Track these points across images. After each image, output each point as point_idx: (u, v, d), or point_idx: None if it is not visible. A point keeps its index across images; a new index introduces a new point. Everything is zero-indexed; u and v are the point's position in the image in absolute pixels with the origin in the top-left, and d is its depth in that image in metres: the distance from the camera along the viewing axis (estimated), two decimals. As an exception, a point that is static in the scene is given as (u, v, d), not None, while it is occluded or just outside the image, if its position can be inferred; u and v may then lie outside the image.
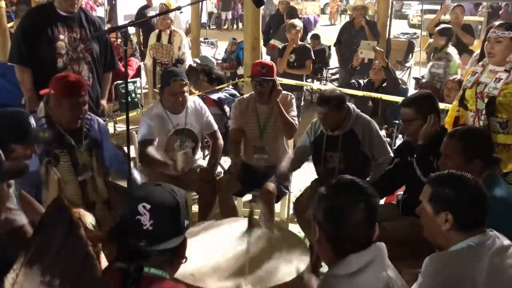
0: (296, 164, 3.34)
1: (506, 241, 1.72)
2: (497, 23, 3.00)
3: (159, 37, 6.00)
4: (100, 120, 3.00)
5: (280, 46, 5.85)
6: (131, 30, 8.80)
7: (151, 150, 3.15)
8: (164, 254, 1.34)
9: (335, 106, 3.06)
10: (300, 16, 8.44)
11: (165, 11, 5.81)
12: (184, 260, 1.46)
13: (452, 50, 5.05)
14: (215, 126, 3.55)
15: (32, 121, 2.25)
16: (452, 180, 1.74)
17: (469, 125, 2.82)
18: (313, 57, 5.78)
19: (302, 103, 5.43)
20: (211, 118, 3.53)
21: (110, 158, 2.95)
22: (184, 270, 2.24)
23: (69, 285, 1.15)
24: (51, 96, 2.69)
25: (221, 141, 3.56)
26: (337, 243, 1.54)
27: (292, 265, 2.33)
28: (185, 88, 3.24)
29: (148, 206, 1.31)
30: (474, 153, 2.14)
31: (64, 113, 2.67)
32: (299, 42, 5.62)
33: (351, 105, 3.21)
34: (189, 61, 5.99)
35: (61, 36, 3.32)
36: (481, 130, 2.47)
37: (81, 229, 1.21)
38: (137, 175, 2.93)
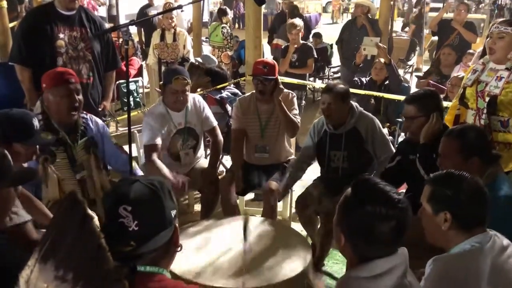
0: (294, 179, 3.35)
1: (505, 241, 1.71)
2: (499, 20, 2.97)
3: (162, 36, 5.96)
4: (98, 120, 3.00)
5: (283, 46, 5.83)
6: (133, 29, 8.79)
7: (159, 162, 3.17)
8: (157, 250, 1.31)
9: (339, 95, 3.04)
10: (302, 14, 8.41)
11: (166, 10, 5.79)
12: (179, 248, 1.40)
13: None
14: (215, 123, 3.55)
15: (36, 123, 2.28)
16: (451, 179, 1.72)
17: (465, 123, 2.80)
18: (315, 56, 5.76)
19: (303, 102, 5.41)
20: (210, 115, 3.53)
21: (112, 157, 2.95)
22: (188, 270, 2.26)
23: (82, 278, 1.14)
24: (44, 90, 2.71)
25: (220, 138, 3.56)
26: (363, 252, 1.48)
27: (294, 264, 2.34)
28: (187, 87, 3.24)
29: (129, 208, 1.26)
30: (472, 151, 2.12)
31: (58, 105, 2.67)
32: (301, 41, 5.60)
33: (354, 104, 3.20)
34: (191, 59, 5.97)
35: (61, 35, 3.32)
36: (476, 128, 2.44)
37: (94, 221, 1.19)
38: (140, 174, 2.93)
